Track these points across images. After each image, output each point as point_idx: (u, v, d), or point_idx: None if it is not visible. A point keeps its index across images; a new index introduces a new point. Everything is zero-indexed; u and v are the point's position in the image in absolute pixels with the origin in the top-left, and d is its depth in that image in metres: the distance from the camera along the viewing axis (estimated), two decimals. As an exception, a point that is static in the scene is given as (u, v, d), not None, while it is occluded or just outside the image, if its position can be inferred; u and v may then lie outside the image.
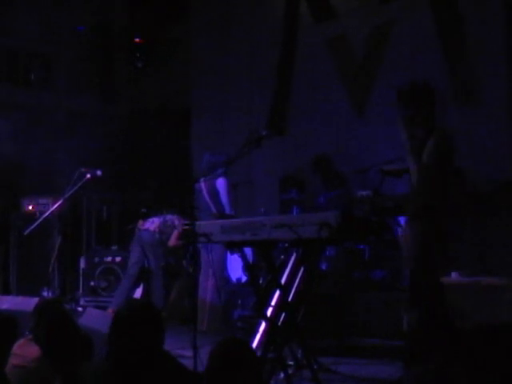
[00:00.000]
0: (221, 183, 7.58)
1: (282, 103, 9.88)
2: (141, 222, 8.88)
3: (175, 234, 8.76)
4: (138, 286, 9.53)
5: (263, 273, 7.23)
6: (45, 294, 8.85)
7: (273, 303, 5.29)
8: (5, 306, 6.10)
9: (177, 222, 8.93)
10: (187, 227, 5.24)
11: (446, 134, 5.06)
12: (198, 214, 7.74)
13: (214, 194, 7.58)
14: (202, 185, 7.70)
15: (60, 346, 3.67)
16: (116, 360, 3.00)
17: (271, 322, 5.11)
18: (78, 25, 11.22)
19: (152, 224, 8.78)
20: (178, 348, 5.79)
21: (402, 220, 7.53)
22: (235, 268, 9.03)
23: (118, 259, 9.92)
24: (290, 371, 4.96)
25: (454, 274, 6.19)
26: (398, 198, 7.50)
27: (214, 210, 7.36)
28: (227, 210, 7.60)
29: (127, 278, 8.84)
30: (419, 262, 4.84)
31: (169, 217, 8.82)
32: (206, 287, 7.67)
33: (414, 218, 4.74)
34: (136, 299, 8.09)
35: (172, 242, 8.89)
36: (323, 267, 7.44)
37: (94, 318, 5.29)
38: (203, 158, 7.88)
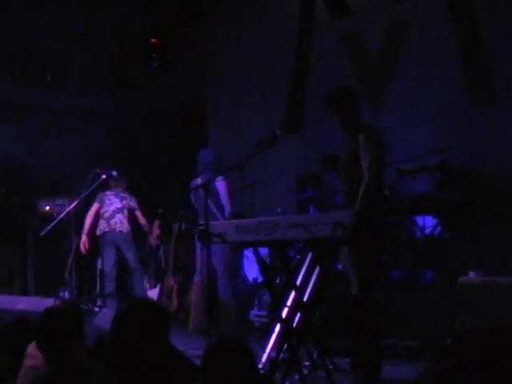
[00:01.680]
0: (220, 185, 7.42)
1: (298, 101, 9.85)
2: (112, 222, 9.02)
3: (155, 230, 9.00)
4: (154, 287, 9.56)
5: (279, 273, 7.20)
6: (62, 294, 8.88)
7: (288, 303, 5.26)
8: (20, 307, 6.11)
9: (132, 203, 9.19)
10: (201, 227, 5.22)
11: (372, 132, 5.21)
12: (197, 213, 7.76)
13: (213, 193, 7.40)
14: (199, 182, 7.60)
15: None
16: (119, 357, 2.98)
17: (286, 322, 5.08)
18: (93, 25, 11.23)
19: (121, 224, 8.94)
20: (195, 348, 5.77)
21: (419, 219, 7.52)
22: (251, 268, 9.02)
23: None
24: (305, 372, 4.93)
25: (471, 274, 6.12)
26: (415, 197, 7.50)
27: (213, 208, 7.24)
28: (227, 211, 7.50)
29: (110, 282, 8.92)
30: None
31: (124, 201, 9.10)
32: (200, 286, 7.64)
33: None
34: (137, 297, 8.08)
35: (153, 239, 9.11)
36: (339, 267, 7.40)
37: (108, 317, 5.27)
38: (198, 155, 7.79)
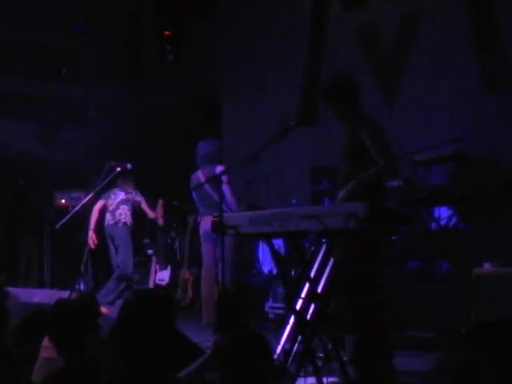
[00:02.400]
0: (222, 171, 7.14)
1: (312, 93, 9.82)
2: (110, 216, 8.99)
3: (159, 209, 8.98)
4: (165, 269, 9.54)
5: (294, 265, 7.20)
6: (78, 286, 8.94)
7: (302, 295, 5.25)
8: (36, 300, 6.15)
9: (138, 198, 9.15)
10: (215, 219, 5.22)
11: (374, 123, 5.10)
12: (199, 205, 7.74)
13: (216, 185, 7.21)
14: (200, 174, 7.61)
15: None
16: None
17: (299, 314, 5.08)
18: (108, 19, 11.25)
19: (125, 216, 8.93)
20: (208, 341, 5.78)
21: (434, 210, 7.49)
22: (267, 260, 9.02)
23: (149, 252, 9.97)
24: (319, 363, 4.93)
25: (486, 265, 6.10)
26: (430, 188, 7.47)
27: (215, 198, 7.15)
28: (229, 201, 7.40)
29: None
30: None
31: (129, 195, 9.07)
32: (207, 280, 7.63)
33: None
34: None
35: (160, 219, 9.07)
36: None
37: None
38: (197, 147, 7.76)
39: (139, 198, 9.18)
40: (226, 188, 7.27)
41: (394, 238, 7.48)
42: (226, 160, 7.90)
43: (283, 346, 5.43)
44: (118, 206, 8.93)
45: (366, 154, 5.06)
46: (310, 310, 5.23)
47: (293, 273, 7.14)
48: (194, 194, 7.68)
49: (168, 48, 11.62)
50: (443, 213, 7.39)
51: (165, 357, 2.94)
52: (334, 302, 5.62)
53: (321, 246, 5.61)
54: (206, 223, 7.27)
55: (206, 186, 7.40)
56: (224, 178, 6.88)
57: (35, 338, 4.04)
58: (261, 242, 8.83)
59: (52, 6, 10.76)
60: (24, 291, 6.97)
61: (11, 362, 3.28)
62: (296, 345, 5.00)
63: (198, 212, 7.91)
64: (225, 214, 5.21)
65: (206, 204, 7.56)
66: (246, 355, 2.88)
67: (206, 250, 7.76)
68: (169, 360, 2.97)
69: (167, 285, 9.52)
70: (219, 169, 7.21)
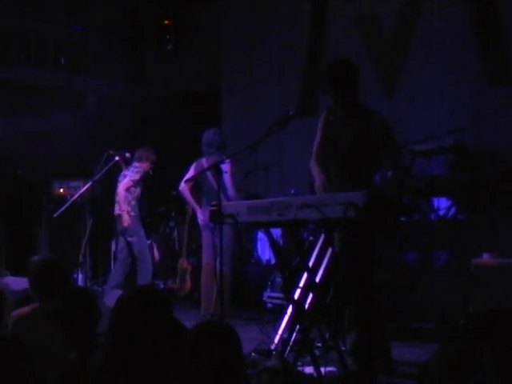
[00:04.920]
0: (226, 167, 7.04)
1: (313, 83, 9.78)
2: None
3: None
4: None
5: (292, 254, 7.18)
6: (76, 276, 8.91)
7: (301, 285, 5.24)
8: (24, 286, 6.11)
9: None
10: (214, 208, 5.19)
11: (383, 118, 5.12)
12: (203, 195, 7.71)
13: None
14: (204, 162, 7.57)
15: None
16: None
17: (298, 304, 5.06)
18: (107, 8, 11.19)
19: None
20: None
21: (433, 201, 7.48)
22: (265, 249, 9.01)
23: (147, 242, 9.93)
24: (317, 353, 4.92)
25: (485, 256, 6.10)
26: (430, 179, 7.45)
27: (216, 187, 7.10)
28: (229, 192, 7.41)
29: (118, 263, 8.83)
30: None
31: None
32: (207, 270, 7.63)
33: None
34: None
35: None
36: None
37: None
38: (203, 136, 7.73)
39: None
40: (227, 178, 7.27)
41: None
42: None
43: (281, 336, 5.43)
44: (118, 195, 8.81)
45: (370, 149, 5.04)
46: (308, 300, 5.22)
47: (291, 262, 7.13)
48: (195, 181, 7.67)
49: (167, 37, 11.55)
50: (442, 203, 7.37)
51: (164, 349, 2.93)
52: (332, 291, 5.62)
53: (319, 236, 5.60)
54: (205, 213, 7.26)
55: (208, 175, 7.38)
56: (227, 167, 6.87)
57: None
58: (259, 232, 8.81)
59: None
60: (19, 279, 6.95)
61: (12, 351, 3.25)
62: (294, 334, 5.00)
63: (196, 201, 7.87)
64: (223, 203, 5.20)
65: (206, 191, 7.56)
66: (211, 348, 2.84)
67: (205, 240, 7.76)
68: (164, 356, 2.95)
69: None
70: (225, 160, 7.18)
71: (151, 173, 8.75)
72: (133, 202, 8.59)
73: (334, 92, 5.12)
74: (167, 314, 3.04)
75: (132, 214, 8.56)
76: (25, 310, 4.13)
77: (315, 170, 5.25)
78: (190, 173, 7.68)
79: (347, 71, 5.13)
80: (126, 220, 8.47)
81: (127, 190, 8.53)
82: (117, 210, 8.62)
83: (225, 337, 2.87)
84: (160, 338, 2.94)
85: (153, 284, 9.07)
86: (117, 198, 8.64)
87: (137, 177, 8.56)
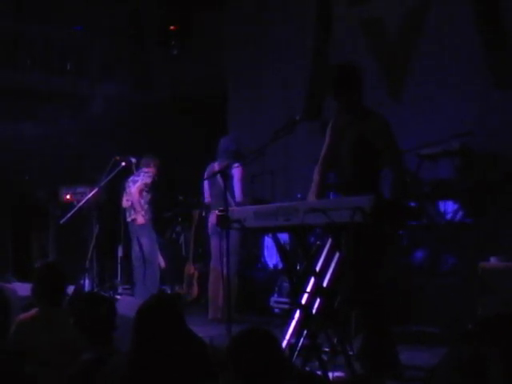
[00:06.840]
0: (236, 171, 7.31)
1: (318, 87, 9.78)
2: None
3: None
4: None
5: (299, 259, 7.18)
6: (83, 282, 8.91)
7: (308, 289, 5.23)
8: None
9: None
10: (221, 213, 5.20)
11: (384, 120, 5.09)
12: (212, 200, 7.72)
13: (228, 179, 7.19)
14: (216, 167, 7.58)
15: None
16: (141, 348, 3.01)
17: (305, 309, 5.06)
18: (113, 13, 11.22)
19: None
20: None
21: (440, 204, 7.46)
22: (272, 255, 9.00)
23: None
24: (325, 358, 4.91)
25: (492, 259, 6.08)
26: (437, 182, 7.44)
27: (227, 194, 7.14)
28: (237, 198, 7.45)
29: (136, 270, 8.84)
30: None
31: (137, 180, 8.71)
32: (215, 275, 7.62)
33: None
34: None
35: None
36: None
37: (128, 305, 5.30)
38: (219, 142, 7.76)
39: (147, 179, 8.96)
40: (236, 184, 7.33)
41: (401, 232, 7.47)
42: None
43: (289, 341, 5.42)
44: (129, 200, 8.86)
45: (371, 151, 5.04)
46: (316, 305, 5.22)
47: (298, 267, 7.12)
48: (206, 185, 7.71)
49: (173, 42, 11.58)
50: (449, 207, 7.36)
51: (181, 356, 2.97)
52: (339, 296, 5.60)
53: (326, 240, 5.58)
54: (213, 217, 7.28)
55: (219, 179, 7.41)
56: (237, 173, 6.94)
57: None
58: (266, 236, 8.81)
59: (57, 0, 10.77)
60: (27, 286, 6.96)
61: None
62: (301, 339, 4.99)
63: (204, 206, 7.90)
64: (230, 208, 5.20)
65: (215, 195, 7.57)
66: (257, 354, 2.84)
67: (213, 244, 7.77)
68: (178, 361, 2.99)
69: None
70: (235, 165, 7.19)
71: (156, 179, 8.80)
72: (145, 206, 8.68)
73: (339, 94, 5.12)
74: (183, 321, 3.13)
75: (146, 217, 8.65)
76: (26, 315, 4.15)
77: (315, 178, 5.30)
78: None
79: (352, 74, 5.13)
80: (141, 220, 8.57)
81: (140, 193, 8.61)
82: (132, 215, 8.66)
83: (268, 344, 2.88)
84: (177, 346, 2.99)
85: (160, 289, 9.08)
86: (129, 204, 8.68)
87: (149, 180, 8.65)
